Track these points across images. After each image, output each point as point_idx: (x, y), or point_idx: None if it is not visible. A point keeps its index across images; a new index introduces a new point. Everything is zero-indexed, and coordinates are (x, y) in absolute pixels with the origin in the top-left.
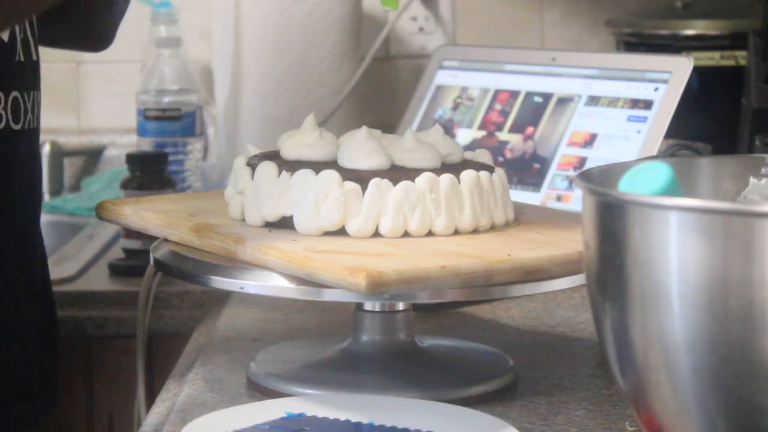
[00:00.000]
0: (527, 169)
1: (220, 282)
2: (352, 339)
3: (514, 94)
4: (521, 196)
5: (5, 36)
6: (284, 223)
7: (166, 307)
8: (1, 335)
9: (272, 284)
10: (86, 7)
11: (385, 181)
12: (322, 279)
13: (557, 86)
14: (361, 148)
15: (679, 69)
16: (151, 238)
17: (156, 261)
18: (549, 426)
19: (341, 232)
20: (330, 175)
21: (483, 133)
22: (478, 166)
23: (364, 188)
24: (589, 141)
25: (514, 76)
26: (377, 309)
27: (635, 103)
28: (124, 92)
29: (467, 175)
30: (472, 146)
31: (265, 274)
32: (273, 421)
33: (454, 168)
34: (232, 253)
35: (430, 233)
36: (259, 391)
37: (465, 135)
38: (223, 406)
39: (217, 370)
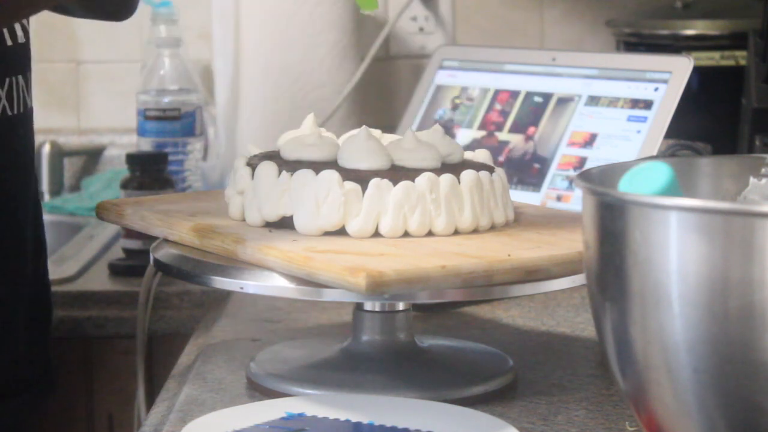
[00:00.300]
0: (527, 169)
1: (220, 282)
2: (352, 339)
3: (514, 94)
4: (521, 196)
5: None
6: (284, 223)
7: (166, 307)
8: None
9: (272, 284)
10: None
11: (385, 181)
12: (322, 279)
13: (557, 86)
14: (361, 148)
15: (679, 69)
16: (151, 238)
17: (156, 261)
18: (549, 426)
19: (341, 232)
20: (330, 175)
21: (483, 133)
22: (478, 166)
23: (364, 188)
24: (589, 141)
25: (514, 76)
26: (377, 309)
27: (635, 103)
28: (124, 92)
29: (467, 175)
30: (472, 146)
31: (265, 274)
32: (273, 421)
33: (454, 168)
34: (232, 253)
35: (430, 233)
36: (259, 391)
37: (465, 135)
38: (223, 406)
39: (217, 370)
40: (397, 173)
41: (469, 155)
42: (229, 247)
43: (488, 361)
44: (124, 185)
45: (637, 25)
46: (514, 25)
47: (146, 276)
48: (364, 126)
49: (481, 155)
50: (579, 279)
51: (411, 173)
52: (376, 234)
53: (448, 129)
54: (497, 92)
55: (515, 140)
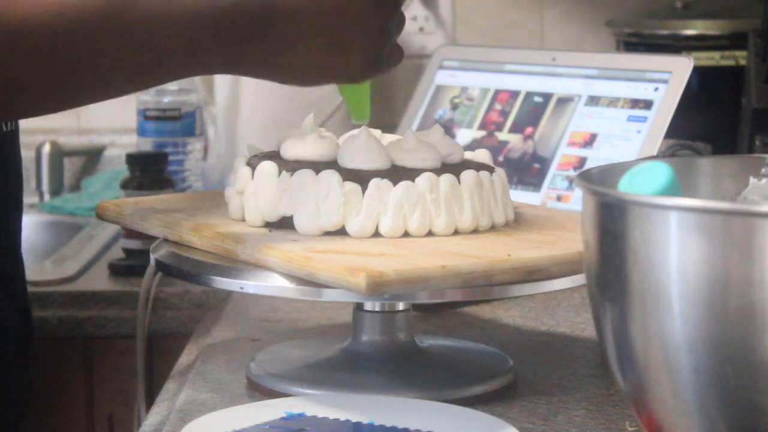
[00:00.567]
0: (527, 169)
1: (220, 282)
2: (352, 339)
3: (514, 94)
4: (521, 196)
5: None
6: (284, 223)
7: (166, 307)
8: None
9: (272, 284)
10: None
11: (385, 181)
12: (322, 279)
13: (557, 86)
14: (361, 148)
15: (679, 69)
16: (151, 238)
17: (156, 261)
18: (549, 426)
19: (341, 232)
20: (330, 175)
21: (483, 133)
22: (478, 166)
23: (364, 188)
24: (589, 141)
25: (514, 76)
26: (377, 309)
27: (635, 103)
28: None
29: (467, 175)
30: (472, 146)
31: (265, 274)
32: (273, 421)
33: (454, 168)
34: (232, 253)
35: (430, 233)
36: (259, 391)
37: (465, 135)
38: (223, 406)
39: (217, 370)
40: (397, 173)
41: (469, 155)
42: (229, 247)
43: (488, 361)
44: (124, 185)
45: (637, 25)
46: (514, 25)
47: (146, 276)
48: (364, 126)
49: (481, 155)
50: (579, 279)
51: (411, 173)
52: (376, 234)
53: (448, 129)
54: (497, 92)
55: (515, 140)
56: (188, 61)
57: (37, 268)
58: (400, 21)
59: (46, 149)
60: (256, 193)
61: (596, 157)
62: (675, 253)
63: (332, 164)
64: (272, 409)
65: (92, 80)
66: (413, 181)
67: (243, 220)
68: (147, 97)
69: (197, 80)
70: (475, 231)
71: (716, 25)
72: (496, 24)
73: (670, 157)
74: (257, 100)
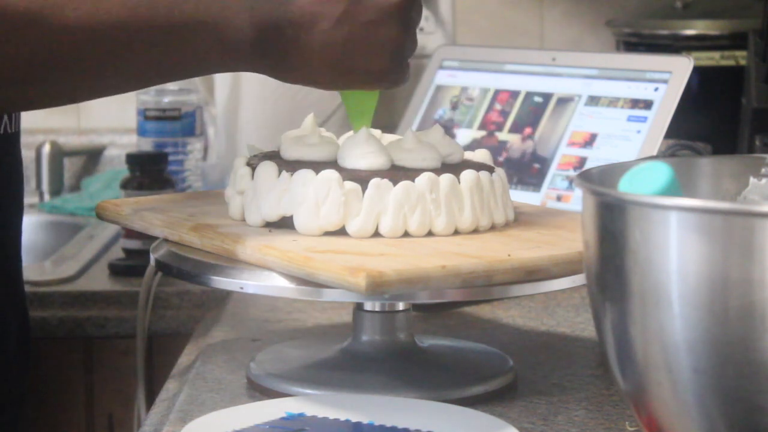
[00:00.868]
0: (527, 169)
1: (220, 282)
2: (352, 339)
3: (514, 94)
4: (521, 196)
5: None
6: (284, 223)
7: (166, 307)
8: None
9: (272, 284)
10: None
11: (385, 181)
12: (322, 279)
13: (557, 86)
14: (361, 148)
15: (679, 69)
16: (151, 238)
17: (156, 261)
18: (549, 426)
19: (341, 232)
20: (330, 175)
21: (483, 133)
22: (478, 166)
23: (364, 188)
24: (589, 141)
25: (514, 76)
26: (377, 309)
27: (635, 103)
28: None
29: (467, 175)
30: (472, 146)
31: (265, 274)
32: (273, 421)
33: (454, 168)
34: (232, 253)
35: (430, 233)
36: (259, 391)
37: (465, 135)
38: (223, 406)
39: (217, 370)
40: (397, 173)
41: (469, 155)
42: (229, 247)
43: (488, 361)
44: (124, 185)
45: (637, 25)
46: (514, 25)
47: (146, 276)
48: (364, 126)
49: (481, 155)
50: (579, 279)
51: (411, 173)
52: (376, 234)
53: (448, 129)
54: (497, 92)
55: (515, 140)
56: (220, 58)
57: (37, 268)
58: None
59: (46, 149)
60: (256, 193)
61: (596, 157)
62: (675, 253)
63: (332, 164)
64: (272, 409)
65: (127, 71)
66: (413, 181)
67: (243, 220)
68: (147, 97)
69: (197, 80)
70: (475, 231)
71: (716, 25)
72: (496, 24)
73: (670, 157)
74: (257, 100)
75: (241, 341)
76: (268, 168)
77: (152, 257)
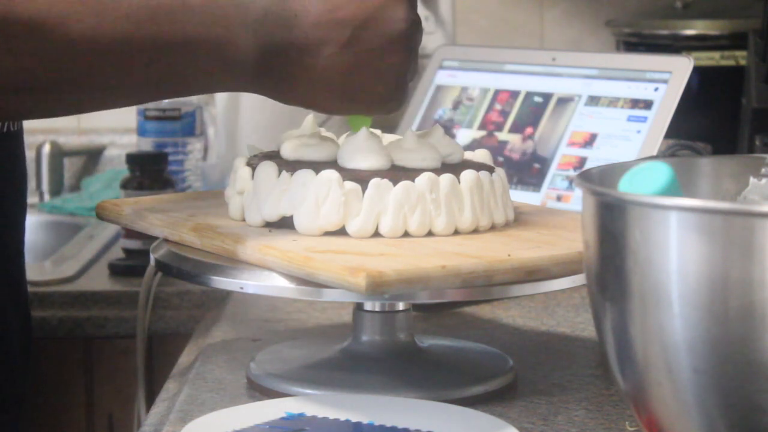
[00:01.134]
0: (527, 169)
1: (220, 282)
2: (352, 339)
3: (514, 94)
4: (521, 196)
5: None
6: (284, 223)
7: (166, 307)
8: None
9: (272, 284)
10: None
11: (385, 181)
12: (322, 279)
13: (557, 86)
14: (361, 148)
15: (679, 69)
16: (151, 238)
17: (156, 261)
18: (549, 426)
19: (341, 232)
20: (330, 175)
21: (483, 133)
22: (478, 166)
23: (364, 188)
24: (589, 141)
25: (514, 76)
26: (377, 309)
27: (635, 103)
28: None
29: (467, 175)
30: (472, 146)
31: (265, 274)
32: (273, 421)
33: (454, 168)
34: (232, 253)
35: (430, 233)
36: (259, 391)
37: (465, 135)
38: (223, 406)
39: (217, 370)
40: (397, 173)
41: (469, 155)
42: (229, 247)
43: (488, 361)
44: (124, 185)
45: (637, 25)
46: (514, 25)
47: (146, 276)
48: (364, 126)
49: (481, 155)
50: (579, 279)
51: (411, 173)
52: (376, 234)
53: (448, 129)
54: (497, 92)
55: (515, 140)
56: (222, 77)
57: (37, 268)
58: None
59: (46, 149)
60: (256, 193)
61: (596, 157)
62: (675, 253)
63: (332, 164)
64: (272, 409)
65: (128, 86)
66: (413, 181)
67: (243, 220)
68: None
69: None
70: (475, 231)
71: (716, 25)
72: (496, 24)
73: (670, 157)
74: (257, 100)
75: (241, 341)
76: (268, 168)
77: (152, 257)
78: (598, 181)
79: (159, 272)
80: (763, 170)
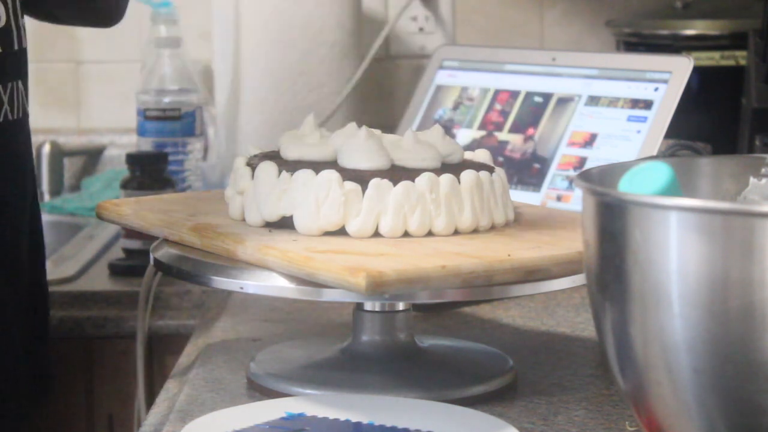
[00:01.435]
0: (527, 169)
1: (220, 282)
2: (352, 339)
3: (514, 94)
4: (521, 196)
5: None
6: (284, 223)
7: (166, 307)
8: None
9: (272, 284)
10: None
11: (385, 181)
12: (322, 279)
13: (557, 86)
14: (361, 148)
15: (679, 69)
16: (151, 238)
17: (156, 261)
18: (549, 426)
19: (341, 232)
20: (330, 175)
21: (483, 133)
22: (478, 166)
23: (364, 188)
24: (589, 141)
25: (514, 76)
26: (377, 309)
27: (635, 103)
28: (124, 92)
29: (467, 175)
30: (472, 146)
31: (265, 274)
32: (273, 421)
33: (454, 168)
34: (232, 253)
35: (430, 233)
36: (259, 391)
37: (465, 135)
38: (223, 406)
39: (217, 370)
40: (397, 173)
41: (469, 155)
42: (229, 247)
43: (488, 361)
44: (124, 185)
45: (637, 25)
46: (514, 25)
47: (146, 276)
48: (364, 126)
49: (481, 155)
50: (579, 279)
51: (411, 173)
52: (376, 234)
53: (448, 129)
54: (497, 92)
55: (515, 140)
56: None
57: None
58: None
59: (46, 149)
60: (256, 193)
61: (596, 157)
62: (675, 253)
63: (332, 164)
64: (272, 409)
65: None
66: (413, 181)
67: (243, 220)
68: (147, 97)
69: (197, 80)
70: (475, 231)
71: (716, 25)
72: (496, 24)
73: (670, 157)
74: (257, 100)
75: (241, 341)
76: (268, 168)
77: (152, 257)
78: (598, 181)
79: (159, 272)
80: (763, 170)
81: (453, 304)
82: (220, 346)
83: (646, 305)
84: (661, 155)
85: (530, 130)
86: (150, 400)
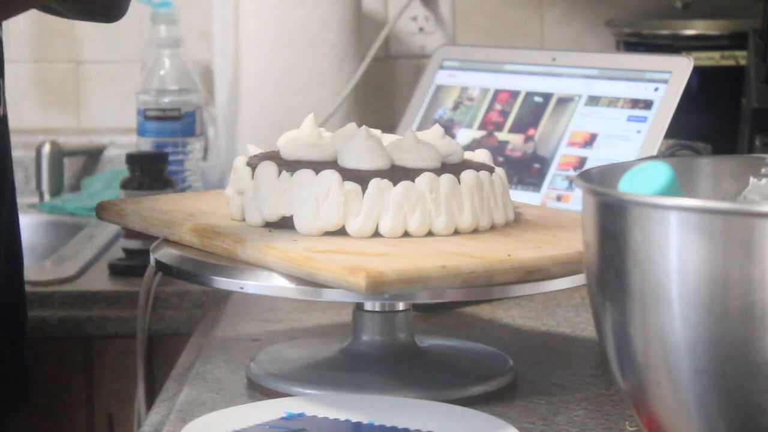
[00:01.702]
0: (527, 169)
1: (220, 282)
2: (352, 339)
3: (514, 94)
4: (521, 196)
5: None
6: (284, 223)
7: (166, 307)
8: None
9: (272, 284)
10: None
11: (385, 181)
12: (322, 279)
13: (557, 86)
14: (361, 148)
15: (679, 69)
16: (151, 238)
17: (156, 261)
18: (549, 426)
19: (341, 232)
20: (330, 175)
21: (483, 133)
22: (478, 166)
23: (364, 188)
24: (589, 141)
25: (514, 76)
26: (377, 309)
27: (635, 103)
28: (124, 92)
29: (467, 175)
30: (472, 146)
31: (265, 274)
32: (273, 421)
33: (454, 168)
34: (232, 253)
35: (430, 233)
36: (259, 391)
37: (465, 135)
38: (223, 406)
39: (217, 370)
40: (397, 173)
41: (469, 155)
42: (229, 247)
43: (488, 361)
44: (124, 185)
45: (637, 25)
46: (514, 25)
47: (146, 276)
48: (364, 126)
49: (481, 155)
50: (579, 279)
51: (411, 173)
52: (376, 234)
53: (448, 129)
54: (497, 92)
55: (515, 140)
56: None
57: (37, 268)
58: None
59: (46, 149)
60: (256, 193)
61: (596, 157)
62: (675, 253)
63: (332, 164)
64: (272, 409)
65: None
66: (413, 181)
67: (243, 220)
68: (147, 97)
69: (197, 80)
70: (475, 231)
71: (716, 25)
72: (496, 24)
73: (670, 157)
74: (257, 100)
75: (241, 341)
76: (268, 168)
77: (152, 257)
78: (598, 181)
79: (159, 272)
80: (763, 170)
81: (453, 304)
82: (220, 346)
83: (646, 305)
84: (661, 155)
85: (530, 130)
86: (150, 400)
